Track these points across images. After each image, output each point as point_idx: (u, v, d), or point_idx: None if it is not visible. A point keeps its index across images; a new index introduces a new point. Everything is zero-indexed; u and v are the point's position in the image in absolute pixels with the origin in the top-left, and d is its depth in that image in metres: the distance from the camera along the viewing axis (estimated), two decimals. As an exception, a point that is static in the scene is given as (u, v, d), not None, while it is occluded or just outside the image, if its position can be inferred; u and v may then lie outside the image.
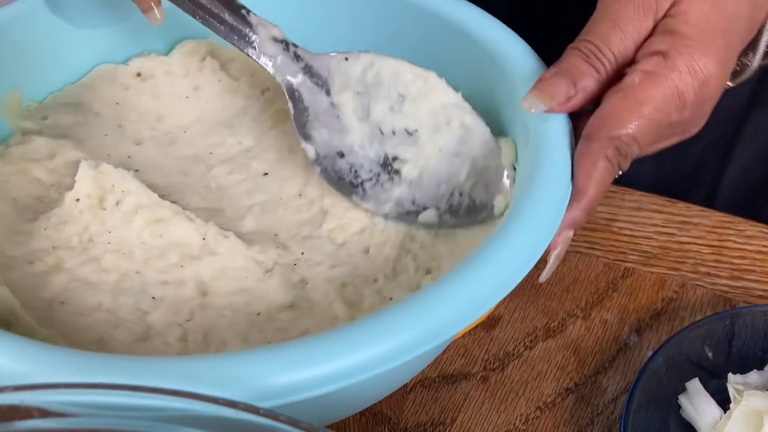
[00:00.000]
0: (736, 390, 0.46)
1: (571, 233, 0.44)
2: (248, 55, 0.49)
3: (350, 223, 0.47)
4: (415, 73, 0.49)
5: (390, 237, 0.47)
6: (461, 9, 0.53)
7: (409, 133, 0.49)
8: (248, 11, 0.49)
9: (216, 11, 0.49)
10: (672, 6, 0.45)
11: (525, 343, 0.53)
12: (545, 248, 0.41)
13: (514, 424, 0.49)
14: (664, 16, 0.46)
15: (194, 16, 0.49)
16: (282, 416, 0.27)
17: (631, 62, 0.46)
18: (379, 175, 0.49)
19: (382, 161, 0.49)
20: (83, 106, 0.55)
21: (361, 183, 0.49)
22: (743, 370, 0.48)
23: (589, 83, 0.45)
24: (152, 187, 0.49)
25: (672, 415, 0.46)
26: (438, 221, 0.47)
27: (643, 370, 0.47)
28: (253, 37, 0.49)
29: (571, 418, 0.49)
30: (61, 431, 0.28)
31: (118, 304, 0.44)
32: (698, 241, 0.58)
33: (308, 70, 0.49)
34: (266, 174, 0.51)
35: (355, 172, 0.49)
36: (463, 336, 0.53)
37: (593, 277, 0.56)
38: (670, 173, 0.74)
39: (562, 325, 0.54)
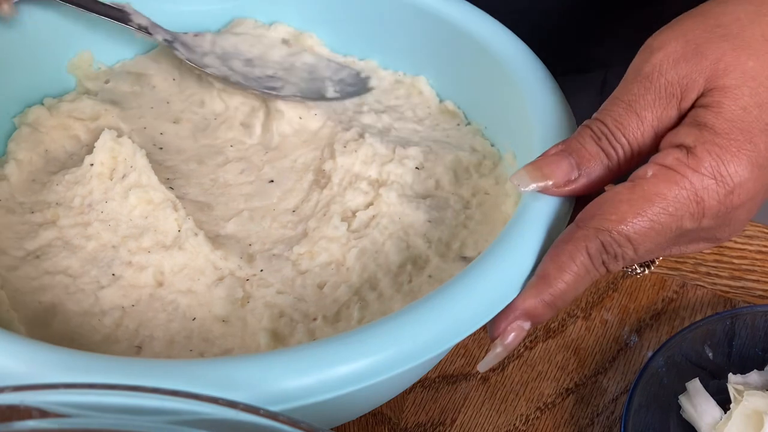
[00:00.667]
0: (737, 390, 0.46)
1: (526, 325, 0.38)
2: (127, 25, 0.55)
3: (320, 252, 0.47)
4: (250, 40, 0.58)
5: (351, 278, 0.45)
6: (475, 20, 0.53)
7: (271, 77, 0.56)
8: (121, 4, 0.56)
9: (94, 5, 0.55)
10: (703, 95, 0.39)
11: (525, 344, 0.53)
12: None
13: (514, 424, 0.49)
14: (695, 105, 0.40)
15: (74, 4, 0.54)
16: (282, 417, 0.27)
17: (650, 153, 0.40)
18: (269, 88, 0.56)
19: (265, 87, 0.56)
20: (144, 77, 0.58)
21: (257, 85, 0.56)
22: (743, 370, 0.48)
23: (595, 168, 0.40)
24: (165, 169, 0.51)
25: (672, 415, 0.46)
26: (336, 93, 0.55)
27: (644, 370, 0.47)
28: (130, 16, 0.56)
29: (571, 419, 0.49)
30: (60, 431, 0.28)
31: (83, 272, 0.45)
32: (698, 241, 0.58)
33: (177, 38, 0.57)
34: (271, 181, 0.51)
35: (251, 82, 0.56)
36: (463, 336, 0.53)
37: (593, 277, 0.56)
38: None
39: (563, 326, 0.54)
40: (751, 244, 0.58)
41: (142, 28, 0.55)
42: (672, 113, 0.40)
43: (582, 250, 0.38)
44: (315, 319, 0.44)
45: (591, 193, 0.41)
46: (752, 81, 0.39)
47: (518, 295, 0.38)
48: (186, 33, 0.57)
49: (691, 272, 0.57)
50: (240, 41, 0.58)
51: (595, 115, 0.41)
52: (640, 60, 0.41)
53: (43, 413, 0.28)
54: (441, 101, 0.56)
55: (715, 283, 0.56)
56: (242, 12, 0.60)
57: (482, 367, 0.39)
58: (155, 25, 0.56)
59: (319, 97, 0.56)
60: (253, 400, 0.33)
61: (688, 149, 0.38)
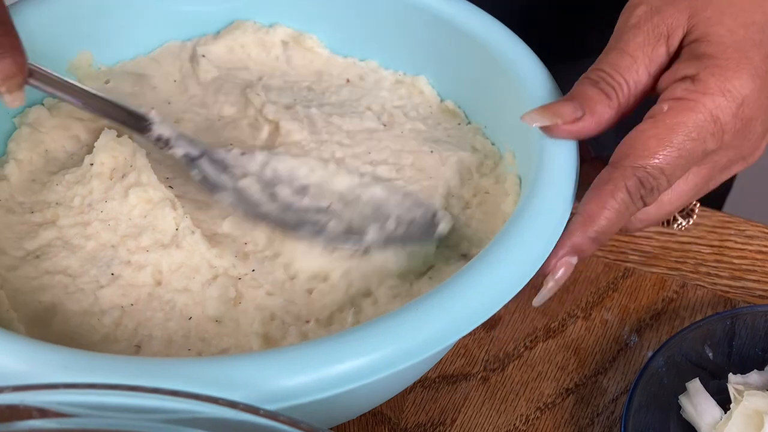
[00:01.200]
0: (737, 390, 0.46)
1: (573, 260, 0.41)
2: (147, 139, 0.50)
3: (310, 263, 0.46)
4: (311, 165, 0.49)
5: (339, 295, 0.45)
6: (475, 19, 0.53)
7: (320, 210, 0.48)
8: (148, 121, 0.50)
9: (112, 110, 0.50)
10: (689, 33, 0.43)
11: (525, 344, 0.53)
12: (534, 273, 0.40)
13: (515, 424, 0.49)
14: (684, 44, 0.44)
15: (100, 115, 0.50)
16: (282, 417, 0.27)
17: (649, 92, 0.44)
18: (315, 222, 0.47)
19: (311, 220, 0.48)
20: (144, 78, 0.57)
21: (304, 222, 0.47)
22: (743, 370, 0.48)
23: (598, 108, 0.43)
24: (165, 168, 0.51)
25: (672, 415, 0.46)
26: (384, 238, 0.46)
27: (644, 370, 0.47)
28: (151, 125, 0.50)
29: (571, 419, 0.49)
30: (60, 431, 0.28)
31: (82, 271, 0.45)
32: (699, 241, 0.58)
33: (208, 154, 0.50)
34: None
35: (298, 221, 0.48)
36: (464, 336, 0.53)
37: (593, 277, 0.56)
38: None
39: (563, 326, 0.54)
40: (751, 244, 0.58)
41: (162, 140, 0.50)
42: (661, 51, 0.44)
43: (621, 189, 0.41)
44: (308, 322, 0.44)
45: (599, 133, 0.44)
46: (730, 8, 0.43)
47: (564, 233, 0.41)
48: (232, 149, 0.50)
49: (691, 272, 0.56)
50: (301, 165, 0.49)
51: (590, 68, 0.44)
52: (625, 17, 0.45)
53: (43, 413, 0.28)
54: (442, 101, 0.57)
55: (715, 283, 0.56)
56: (242, 14, 0.60)
57: (537, 302, 0.42)
58: (181, 137, 0.50)
59: (359, 238, 0.46)
60: (252, 398, 0.33)
61: (692, 78, 0.42)
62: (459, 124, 0.55)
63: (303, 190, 0.49)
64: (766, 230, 0.59)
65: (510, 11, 0.55)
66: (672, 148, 0.41)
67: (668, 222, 0.52)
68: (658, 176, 0.41)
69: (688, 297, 0.55)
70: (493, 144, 0.53)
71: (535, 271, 0.40)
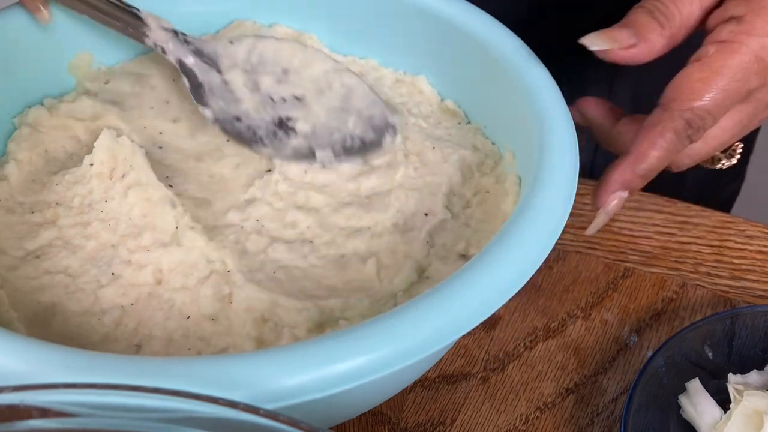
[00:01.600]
0: (736, 390, 0.46)
1: (624, 194, 0.45)
2: (144, 44, 0.54)
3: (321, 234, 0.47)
4: (292, 49, 0.54)
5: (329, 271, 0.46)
6: (472, 16, 0.53)
7: (297, 98, 0.53)
8: (138, 9, 0.54)
9: (110, 10, 0.53)
10: None
11: (525, 344, 0.53)
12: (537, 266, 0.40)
13: (514, 424, 0.49)
14: None
15: (92, 18, 0.54)
16: (282, 417, 0.27)
17: (698, 27, 0.46)
18: (275, 132, 0.52)
19: (276, 122, 0.52)
20: (144, 78, 0.57)
21: (260, 138, 0.52)
22: (743, 370, 0.48)
23: (652, 36, 0.45)
24: (165, 167, 0.51)
25: (672, 415, 0.46)
26: (333, 158, 0.51)
27: (643, 370, 0.47)
28: (146, 29, 0.53)
29: (571, 419, 0.49)
30: (60, 431, 0.28)
31: (83, 271, 0.45)
32: (698, 241, 0.58)
33: (198, 53, 0.54)
34: (269, 171, 0.51)
35: (253, 131, 0.52)
36: (463, 336, 0.53)
37: (593, 277, 0.56)
38: None
39: (562, 326, 0.54)
40: (751, 244, 0.58)
41: (157, 46, 0.54)
42: None
43: (670, 130, 0.44)
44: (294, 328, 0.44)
45: (651, 59, 0.46)
46: None
47: (615, 170, 0.45)
48: (220, 38, 0.55)
49: (691, 272, 0.57)
50: (283, 48, 0.54)
51: None
52: None
53: (43, 413, 0.28)
54: (442, 100, 0.57)
55: (715, 283, 0.56)
56: (242, 13, 0.60)
57: (590, 231, 0.47)
58: (173, 40, 0.54)
59: (327, 149, 0.52)
60: (252, 397, 0.33)
61: (738, 19, 0.44)
62: (459, 123, 0.55)
63: (285, 74, 0.53)
64: (766, 230, 0.59)
65: (510, 11, 0.55)
66: (717, 90, 0.43)
67: (712, 160, 0.54)
68: (705, 116, 0.44)
69: (687, 297, 0.55)
70: (493, 143, 0.53)
71: (535, 270, 0.40)
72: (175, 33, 0.54)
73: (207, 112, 0.53)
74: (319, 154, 0.51)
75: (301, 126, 0.52)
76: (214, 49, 0.54)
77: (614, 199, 0.45)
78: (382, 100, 0.53)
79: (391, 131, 0.52)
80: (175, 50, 0.54)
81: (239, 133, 0.53)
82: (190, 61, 0.54)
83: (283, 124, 0.53)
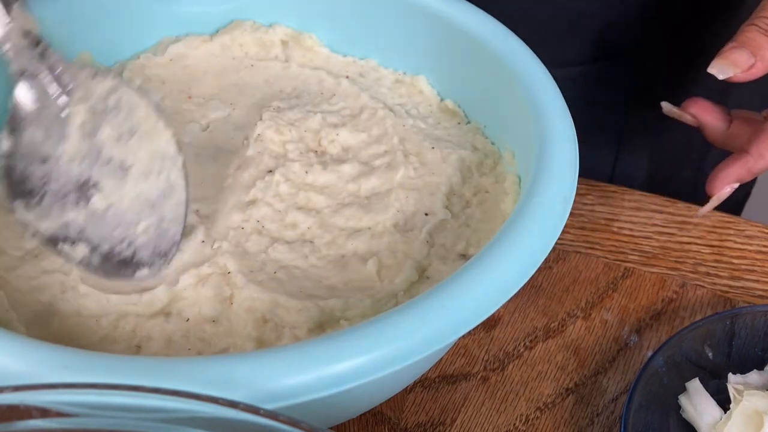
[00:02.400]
0: (736, 390, 0.46)
1: (735, 185, 0.51)
2: None
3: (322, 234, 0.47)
4: (148, 113, 0.46)
5: (330, 271, 0.46)
6: (472, 16, 0.54)
7: (123, 168, 0.46)
8: (9, 2, 0.45)
9: None
10: None
11: (525, 344, 0.53)
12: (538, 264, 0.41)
13: (514, 424, 0.49)
14: None
15: None
16: (282, 416, 0.27)
17: None
18: (67, 194, 0.45)
19: (81, 182, 0.45)
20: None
21: (43, 193, 0.45)
22: (743, 370, 0.48)
23: (766, 54, 0.48)
24: None
25: (672, 415, 0.46)
26: (84, 259, 0.44)
27: (643, 370, 0.47)
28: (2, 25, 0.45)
29: (571, 419, 0.49)
30: (61, 431, 0.28)
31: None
32: (698, 241, 0.58)
33: (52, 72, 0.46)
34: (270, 171, 0.51)
35: (45, 182, 0.45)
36: (463, 336, 0.53)
37: (593, 277, 0.56)
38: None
39: (562, 326, 0.54)
40: (751, 244, 0.58)
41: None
42: None
43: None
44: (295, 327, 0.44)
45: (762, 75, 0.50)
46: None
47: (733, 164, 0.51)
48: (84, 68, 0.46)
49: (691, 272, 0.57)
50: (141, 106, 0.46)
51: (756, 13, 0.50)
52: None
53: (43, 413, 0.28)
54: (442, 100, 0.57)
55: (715, 283, 0.56)
56: (241, 13, 0.60)
57: (701, 212, 0.54)
58: (33, 47, 0.45)
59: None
60: (252, 397, 0.33)
61: None
62: (459, 123, 0.55)
63: (129, 135, 0.46)
64: (765, 230, 0.59)
65: (513, 16, 0.55)
66: None
67: None
68: None
69: (687, 297, 0.55)
70: (492, 143, 0.53)
71: (535, 270, 0.40)
72: (37, 43, 0.46)
73: (4, 142, 0.45)
74: (71, 248, 0.44)
75: (97, 200, 0.45)
76: (74, 75, 0.46)
77: (727, 188, 0.51)
78: (185, 223, 0.46)
79: (162, 260, 0.45)
80: (24, 58, 0.45)
81: (24, 179, 0.45)
82: (38, 76, 0.46)
83: (85, 189, 0.45)
